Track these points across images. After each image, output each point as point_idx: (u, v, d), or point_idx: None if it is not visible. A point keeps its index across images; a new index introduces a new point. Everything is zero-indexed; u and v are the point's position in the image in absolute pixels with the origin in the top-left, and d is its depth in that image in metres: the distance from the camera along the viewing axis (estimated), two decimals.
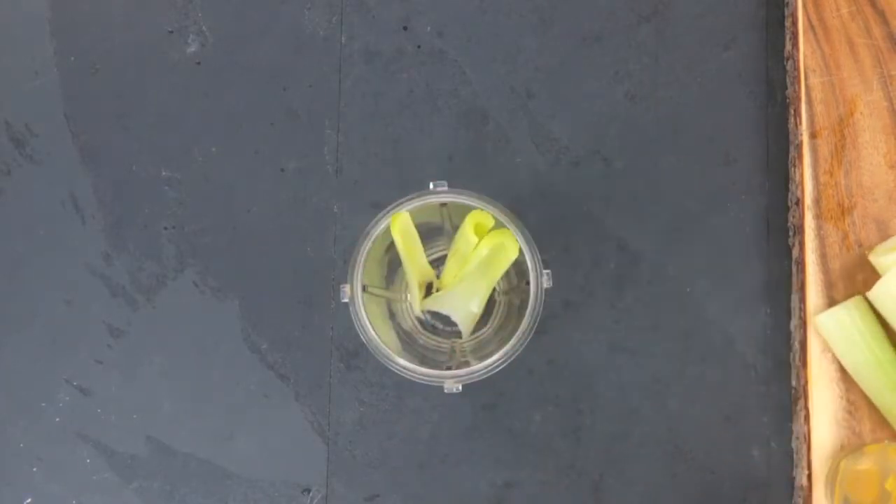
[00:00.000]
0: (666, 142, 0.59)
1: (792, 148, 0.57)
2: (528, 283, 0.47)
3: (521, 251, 0.47)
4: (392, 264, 0.53)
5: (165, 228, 0.59)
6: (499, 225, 0.48)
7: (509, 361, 0.47)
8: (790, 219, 0.57)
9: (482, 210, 0.47)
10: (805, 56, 0.56)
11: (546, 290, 0.47)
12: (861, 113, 0.55)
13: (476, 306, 0.51)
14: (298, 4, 0.61)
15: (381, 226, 0.46)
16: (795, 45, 0.56)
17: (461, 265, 0.50)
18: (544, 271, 0.47)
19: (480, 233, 0.48)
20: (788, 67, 0.58)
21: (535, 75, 0.59)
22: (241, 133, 0.60)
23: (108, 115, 0.61)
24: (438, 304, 0.52)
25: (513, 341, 0.46)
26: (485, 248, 0.48)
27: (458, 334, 0.54)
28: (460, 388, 0.47)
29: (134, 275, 0.59)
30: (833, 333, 0.53)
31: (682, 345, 0.57)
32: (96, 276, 0.59)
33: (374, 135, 0.59)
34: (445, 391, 0.47)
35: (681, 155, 0.58)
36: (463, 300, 0.50)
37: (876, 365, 0.52)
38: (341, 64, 0.60)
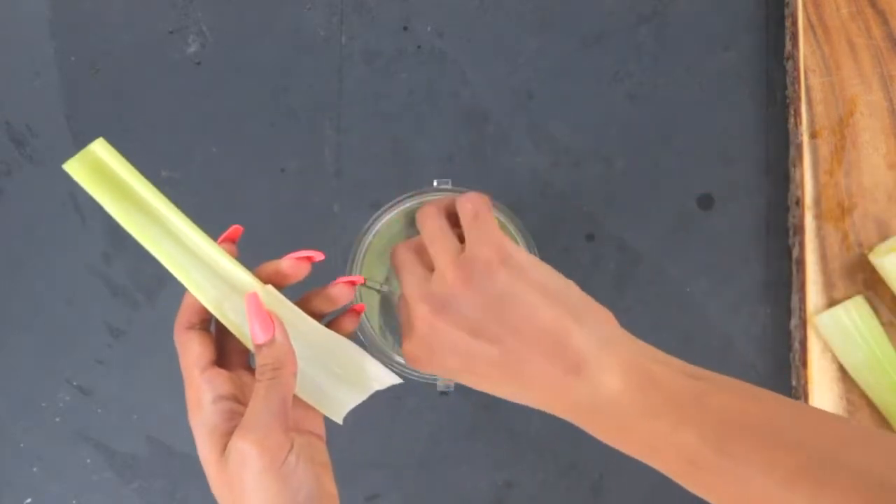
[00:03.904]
0: (666, 142, 0.59)
1: (792, 148, 0.57)
2: None
3: None
4: None
5: None
6: (503, 228, 0.48)
7: None
8: (790, 219, 0.57)
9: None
10: (805, 56, 0.56)
11: None
12: (861, 113, 0.55)
13: None
14: (298, 4, 0.61)
15: (383, 221, 0.46)
16: (795, 45, 0.56)
17: None
18: None
19: None
20: (788, 67, 0.58)
21: (535, 75, 0.59)
22: (241, 133, 0.60)
23: (108, 115, 0.61)
24: None
25: None
26: None
27: None
28: (453, 386, 0.47)
29: (134, 275, 0.59)
30: (833, 333, 0.53)
31: (682, 345, 0.57)
32: (96, 276, 0.59)
33: (374, 135, 0.59)
34: (438, 389, 0.47)
35: (681, 155, 0.58)
36: None
37: (876, 365, 0.52)
38: (341, 64, 0.60)
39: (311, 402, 0.40)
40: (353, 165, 0.59)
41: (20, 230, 0.60)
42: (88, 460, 0.58)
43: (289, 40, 0.60)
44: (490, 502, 0.57)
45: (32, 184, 0.60)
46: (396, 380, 0.41)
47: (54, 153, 0.60)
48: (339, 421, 0.41)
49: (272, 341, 0.37)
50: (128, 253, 0.59)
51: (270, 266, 0.40)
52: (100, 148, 0.38)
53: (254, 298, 0.38)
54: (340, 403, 0.41)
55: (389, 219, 0.47)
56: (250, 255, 0.59)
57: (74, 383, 0.59)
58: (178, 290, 0.60)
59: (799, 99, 0.56)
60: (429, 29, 0.60)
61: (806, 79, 0.56)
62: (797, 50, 0.56)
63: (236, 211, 0.60)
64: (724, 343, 0.57)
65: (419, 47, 0.60)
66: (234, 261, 0.40)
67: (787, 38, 0.58)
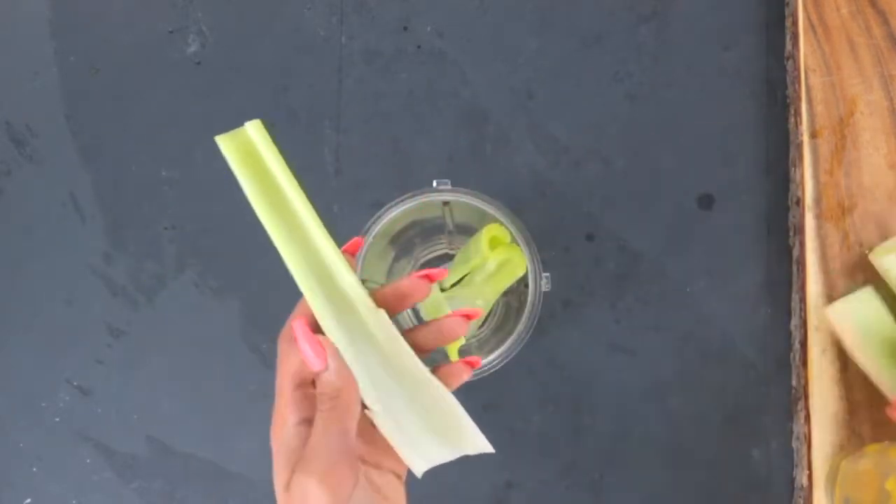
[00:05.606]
0: (666, 142, 0.59)
1: (792, 148, 0.57)
2: (526, 285, 0.47)
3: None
4: (395, 259, 0.54)
5: (165, 228, 0.59)
6: (511, 240, 0.48)
7: (505, 362, 0.47)
8: (790, 219, 0.57)
9: (500, 224, 0.47)
10: (805, 56, 0.56)
11: (544, 293, 0.47)
12: (861, 113, 0.55)
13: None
14: (298, 4, 0.61)
15: (383, 221, 0.46)
16: (795, 44, 0.56)
17: (467, 273, 0.50)
18: (544, 275, 0.47)
19: (495, 246, 0.48)
20: (788, 67, 0.58)
21: (535, 75, 0.59)
22: None
23: (108, 115, 0.61)
24: None
25: (509, 343, 0.46)
26: (493, 262, 0.48)
27: None
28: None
29: (134, 275, 0.59)
30: (847, 321, 0.52)
31: (682, 345, 0.57)
32: (96, 276, 0.59)
33: (374, 135, 0.59)
34: None
35: (681, 155, 0.58)
36: (465, 305, 0.50)
37: (894, 350, 0.51)
38: (341, 64, 0.60)
39: (395, 445, 0.36)
40: (353, 165, 0.59)
41: (20, 230, 0.60)
42: (88, 460, 0.58)
43: (289, 40, 0.60)
44: (490, 502, 0.57)
45: (32, 184, 0.60)
46: (490, 448, 0.37)
47: (54, 153, 0.60)
48: (419, 474, 0.37)
49: (326, 369, 0.34)
50: (128, 253, 0.59)
51: (389, 287, 0.37)
52: (254, 130, 0.38)
53: (301, 324, 0.35)
54: (426, 456, 0.37)
55: (389, 219, 0.47)
56: (248, 256, 0.59)
57: (74, 383, 0.59)
58: (178, 290, 0.60)
59: (799, 99, 0.56)
60: (429, 29, 0.60)
61: (806, 78, 0.55)
62: (797, 50, 0.56)
63: (237, 211, 0.60)
64: (724, 343, 0.57)
65: (419, 47, 0.60)
66: (356, 277, 0.36)
67: (788, 37, 0.58)
